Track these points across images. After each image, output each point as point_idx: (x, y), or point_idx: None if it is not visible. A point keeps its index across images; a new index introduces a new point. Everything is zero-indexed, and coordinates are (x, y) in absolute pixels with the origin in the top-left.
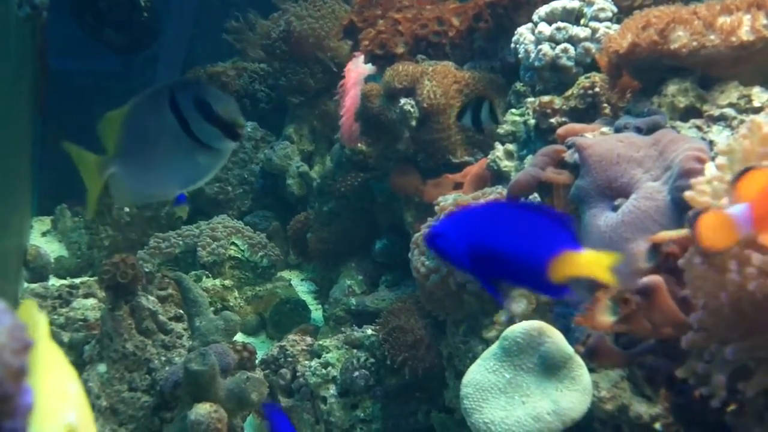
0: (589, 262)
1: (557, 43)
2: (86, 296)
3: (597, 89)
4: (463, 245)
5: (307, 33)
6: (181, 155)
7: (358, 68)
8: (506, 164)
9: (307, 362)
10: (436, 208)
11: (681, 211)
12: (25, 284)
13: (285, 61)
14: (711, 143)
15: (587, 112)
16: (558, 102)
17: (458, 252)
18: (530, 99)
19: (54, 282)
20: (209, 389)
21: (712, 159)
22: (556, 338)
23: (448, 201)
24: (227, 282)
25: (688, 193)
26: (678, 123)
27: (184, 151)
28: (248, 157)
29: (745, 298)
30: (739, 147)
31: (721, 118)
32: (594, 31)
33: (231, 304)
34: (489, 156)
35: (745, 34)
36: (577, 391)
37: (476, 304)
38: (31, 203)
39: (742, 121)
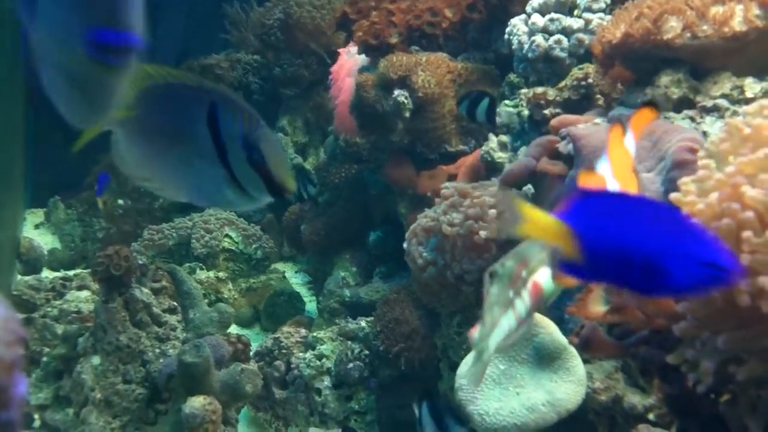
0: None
1: (550, 34)
2: (80, 288)
3: (590, 80)
4: None
5: (306, 21)
6: (207, 176)
7: (352, 59)
8: (500, 155)
9: (301, 354)
10: (443, 192)
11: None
12: (19, 276)
13: (279, 51)
14: (704, 134)
15: (581, 103)
16: (551, 93)
17: None
18: (524, 90)
19: (47, 274)
20: (203, 381)
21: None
22: (550, 329)
23: (449, 189)
24: (221, 274)
25: (673, 195)
26: (671, 114)
27: (213, 176)
28: None
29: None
30: (720, 149)
31: (714, 109)
32: (587, 22)
33: (225, 296)
34: (483, 147)
35: (737, 24)
36: (571, 382)
37: (472, 295)
38: (24, 196)
39: (734, 112)
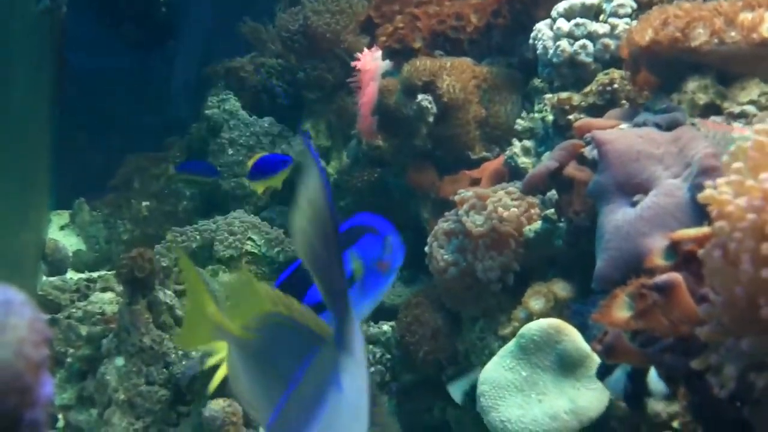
0: None
1: (576, 39)
2: (104, 290)
3: (616, 85)
4: None
5: (324, 29)
6: None
7: (375, 63)
8: (524, 161)
9: None
10: (456, 198)
11: (701, 208)
12: (44, 278)
13: (302, 56)
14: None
15: (606, 108)
16: (576, 98)
17: None
18: (548, 95)
19: (72, 276)
20: (226, 384)
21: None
22: (573, 336)
23: (468, 193)
24: None
25: (706, 191)
26: (698, 120)
27: None
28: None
29: (761, 293)
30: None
31: (742, 116)
32: (613, 27)
33: None
34: (506, 152)
35: (766, 30)
36: (594, 390)
37: (493, 299)
38: (49, 197)
39: (762, 119)
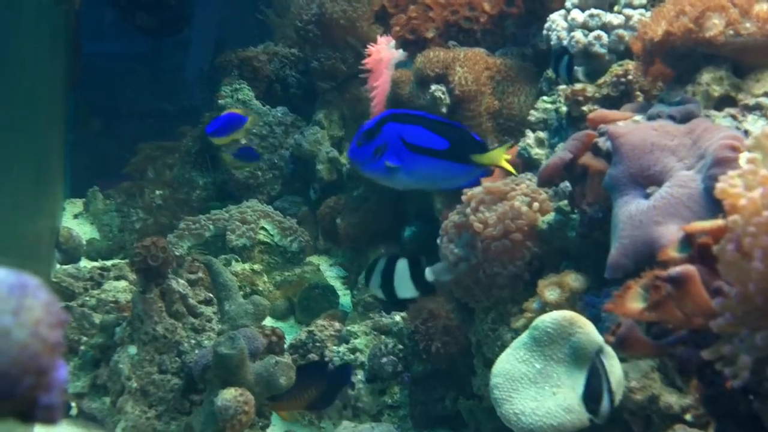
0: None
1: (590, 30)
2: (117, 278)
3: (630, 77)
4: None
5: (339, 16)
6: None
7: (389, 53)
8: (537, 152)
9: (335, 347)
10: (463, 198)
11: (714, 200)
12: (58, 266)
13: (316, 45)
14: (746, 133)
15: (620, 99)
16: (590, 90)
17: None
18: (562, 86)
19: (85, 264)
20: (238, 373)
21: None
22: (587, 328)
23: (476, 190)
24: (256, 266)
25: (719, 185)
26: (712, 112)
27: None
28: (278, 142)
29: None
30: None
31: (757, 108)
32: (628, 18)
33: (260, 288)
34: (520, 143)
35: None
36: None
37: (505, 292)
38: (63, 185)
39: None
